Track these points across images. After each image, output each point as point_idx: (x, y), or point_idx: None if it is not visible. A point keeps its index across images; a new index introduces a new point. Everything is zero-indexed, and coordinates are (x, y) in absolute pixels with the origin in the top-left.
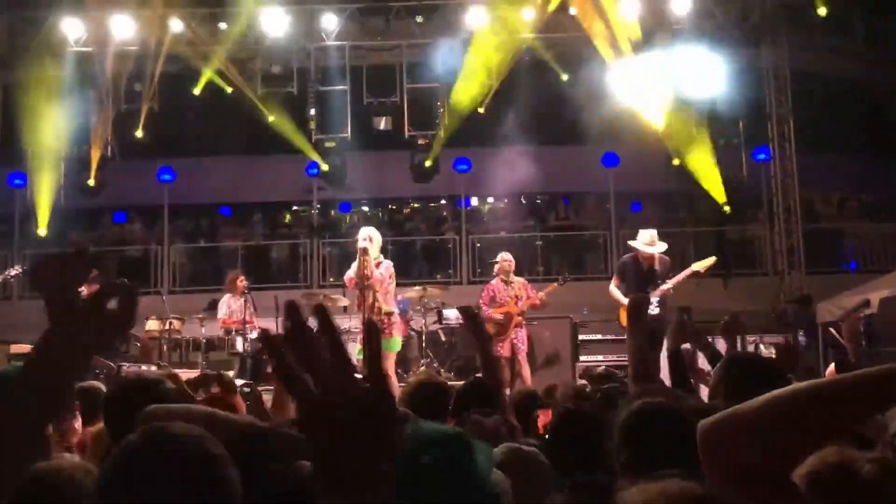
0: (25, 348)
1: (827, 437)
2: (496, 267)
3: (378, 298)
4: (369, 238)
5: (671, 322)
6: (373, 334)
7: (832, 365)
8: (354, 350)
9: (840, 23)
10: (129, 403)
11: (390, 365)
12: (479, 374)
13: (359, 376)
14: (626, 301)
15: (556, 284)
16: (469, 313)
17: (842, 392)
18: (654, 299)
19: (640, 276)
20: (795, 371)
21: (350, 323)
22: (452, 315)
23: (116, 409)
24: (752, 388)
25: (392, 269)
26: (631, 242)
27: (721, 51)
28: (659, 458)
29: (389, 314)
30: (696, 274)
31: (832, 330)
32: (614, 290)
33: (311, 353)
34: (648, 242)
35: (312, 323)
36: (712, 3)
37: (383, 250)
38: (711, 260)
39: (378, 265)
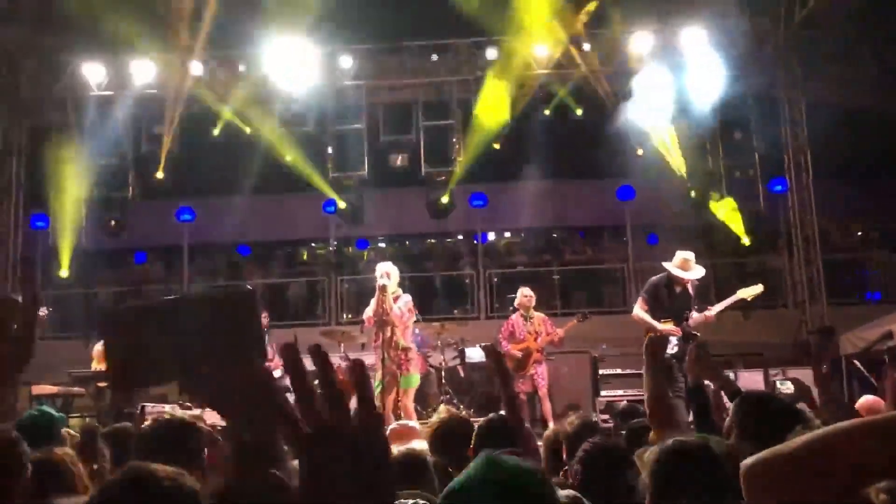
0: (47, 388)
1: (876, 476)
2: (516, 302)
3: (396, 333)
4: (386, 274)
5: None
6: (358, 370)
7: (864, 399)
8: (374, 384)
9: (853, 52)
10: (161, 446)
11: (409, 401)
12: (502, 412)
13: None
14: (660, 326)
15: (575, 321)
16: (492, 351)
17: (888, 432)
18: (674, 338)
19: (676, 301)
20: (814, 406)
21: (369, 359)
22: (475, 354)
23: (148, 451)
24: (763, 429)
25: (411, 304)
26: (665, 265)
27: (736, 81)
28: (691, 498)
29: (406, 350)
30: (740, 301)
31: (856, 362)
32: (643, 314)
33: (304, 388)
34: (680, 265)
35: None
36: (726, 34)
37: (401, 286)
38: (759, 288)
39: (396, 299)
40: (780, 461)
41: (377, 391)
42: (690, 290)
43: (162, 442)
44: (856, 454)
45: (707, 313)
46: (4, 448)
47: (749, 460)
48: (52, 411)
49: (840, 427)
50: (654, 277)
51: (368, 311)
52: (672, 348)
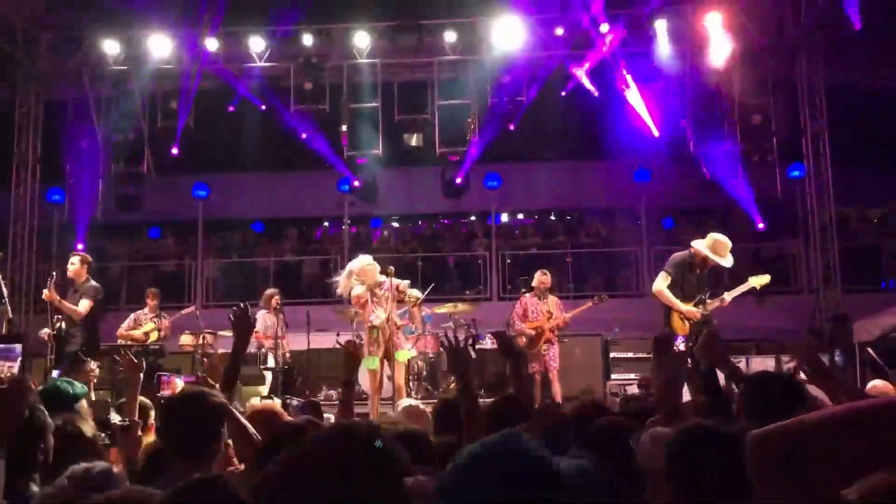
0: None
1: (883, 457)
2: (533, 283)
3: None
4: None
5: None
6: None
7: (873, 383)
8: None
9: (876, 35)
10: (185, 417)
11: (401, 377)
12: (512, 391)
13: None
14: (683, 307)
15: (591, 303)
16: (502, 337)
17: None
18: (681, 336)
19: (696, 282)
20: (835, 392)
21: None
22: (486, 341)
23: (171, 422)
24: (768, 409)
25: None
26: (697, 245)
27: (755, 65)
28: (708, 483)
29: (399, 327)
30: (751, 290)
31: (869, 350)
32: (667, 292)
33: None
34: (716, 250)
35: None
36: (746, 18)
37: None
38: (766, 278)
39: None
40: (791, 437)
41: (371, 366)
42: (706, 274)
43: (185, 414)
44: (868, 436)
45: (724, 297)
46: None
47: (757, 432)
48: (74, 382)
49: (854, 407)
50: (679, 254)
51: (359, 290)
52: (680, 345)
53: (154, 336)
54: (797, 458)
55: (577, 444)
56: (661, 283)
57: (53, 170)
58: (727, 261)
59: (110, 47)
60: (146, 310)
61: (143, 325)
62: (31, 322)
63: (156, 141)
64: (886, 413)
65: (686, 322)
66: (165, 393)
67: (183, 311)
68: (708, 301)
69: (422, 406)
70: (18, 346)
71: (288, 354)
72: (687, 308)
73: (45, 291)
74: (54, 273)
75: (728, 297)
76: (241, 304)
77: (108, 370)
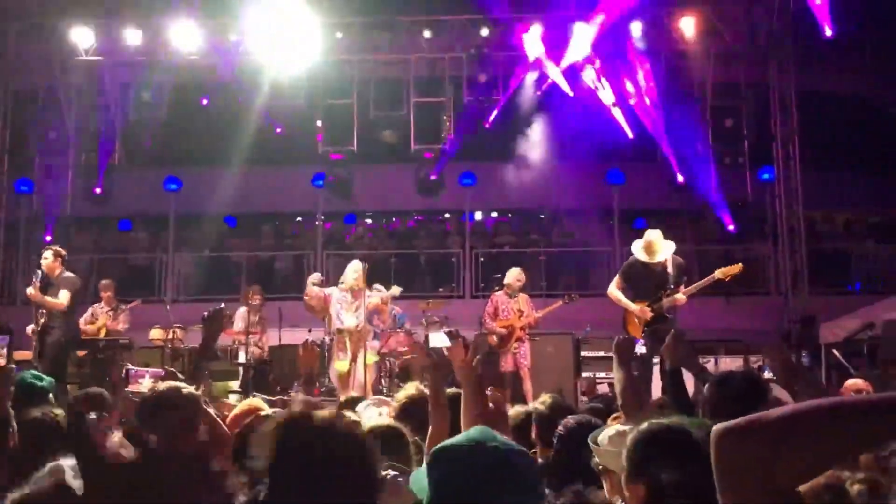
0: (27, 354)
1: (842, 455)
2: (507, 281)
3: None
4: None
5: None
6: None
7: (851, 380)
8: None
9: (847, 42)
10: (163, 415)
11: (370, 377)
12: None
13: None
14: (633, 307)
15: (561, 302)
16: (455, 336)
17: (864, 413)
18: (640, 340)
19: (651, 281)
20: (798, 387)
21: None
22: (439, 341)
23: (148, 415)
24: (731, 406)
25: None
26: (634, 246)
27: (729, 68)
28: (668, 478)
29: (367, 332)
30: (717, 282)
31: (835, 351)
32: (617, 293)
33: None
34: (645, 248)
35: None
36: (720, 23)
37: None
38: (737, 267)
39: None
40: (755, 430)
41: (340, 369)
42: (669, 269)
43: (161, 407)
44: (832, 433)
45: (677, 296)
46: None
47: (722, 425)
48: (42, 375)
49: (821, 404)
50: (631, 257)
51: (324, 290)
52: (640, 348)
53: (103, 332)
54: (755, 452)
55: (541, 442)
56: (612, 285)
57: (22, 160)
58: (659, 256)
59: (82, 37)
60: (102, 303)
61: (98, 319)
62: None
63: (127, 133)
64: (850, 413)
65: (639, 323)
66: (134, 387)
67: (127, 306)
68: (665, 299)
69: (392, 402)
70: (2, 338)
71: (266, 351)
72: (634, 307)
73: (29, 290)
74: (39, 272)
75: (682, 294)
76: (221, 305)
77: (75, 364)
